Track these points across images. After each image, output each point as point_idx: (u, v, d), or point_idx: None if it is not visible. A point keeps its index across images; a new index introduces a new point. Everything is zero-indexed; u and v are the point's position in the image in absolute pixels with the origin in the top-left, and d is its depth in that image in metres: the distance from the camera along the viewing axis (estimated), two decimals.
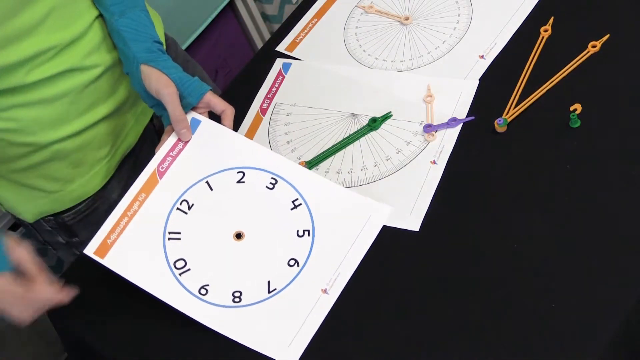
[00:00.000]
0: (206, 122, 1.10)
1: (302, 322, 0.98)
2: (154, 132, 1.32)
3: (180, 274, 1.01)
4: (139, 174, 1.15)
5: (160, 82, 1.06)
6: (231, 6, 2.18)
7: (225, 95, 1.29)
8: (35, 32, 1.04)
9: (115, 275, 1.04)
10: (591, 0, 1.18)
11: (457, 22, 1.24)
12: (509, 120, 1.08)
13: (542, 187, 1.01)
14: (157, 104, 1.09)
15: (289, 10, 2.28)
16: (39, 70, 1.06)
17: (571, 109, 1.06)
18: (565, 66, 1.11)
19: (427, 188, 1.06)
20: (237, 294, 1.01)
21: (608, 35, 1.12)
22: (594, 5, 1.17)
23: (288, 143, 1.18)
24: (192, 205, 1.06)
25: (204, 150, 1.09)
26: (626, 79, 1.08)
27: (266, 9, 2.28)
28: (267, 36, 2.28)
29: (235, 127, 1.20)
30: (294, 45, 1.32)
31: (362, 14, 1.33)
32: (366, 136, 1.15)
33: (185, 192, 1.07)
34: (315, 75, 1.26)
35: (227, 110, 1.10)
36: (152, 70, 1.06)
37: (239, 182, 1.07)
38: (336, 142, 1.16)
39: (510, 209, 1.00)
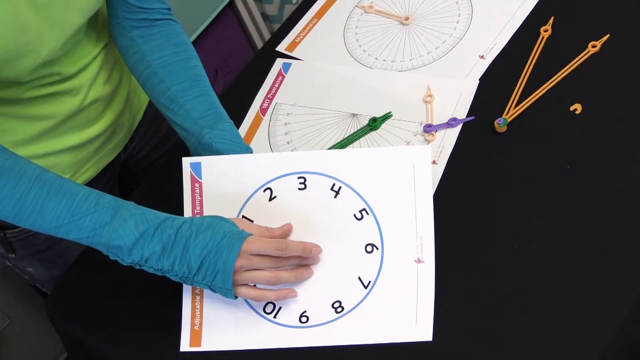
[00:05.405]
0: (207, 161, 1.04)
1: (415, 299, 0.94)
2: (118, 164, 1.31)
3: (274, 316, 0.98)
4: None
5: None
6: (231, 6, 2.19)
7: (225, 95, 1.29)
8: (53, 61, 1.04)
9: (116, 275, 1.04)
10: (591, 0, 1.18)
11: (457, 22, 1.24)
12: (509, 120, 1.08)
13: (542, 187, 1.01)
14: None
15: (289, 10, 2.28)
16: (37, 90, 1.06)
17: (571, 109, 1.06)
18: (565, 66, 1.11)
19: None
20: (336, 305, 0.97)
21: (608, 35, 1.12)
22: (594, 5, 1.17)
23: (288, 143, 1.18)
24: None
25: (223, 187, 1.03)
26: (626, 79, 1.08)
27: (266, 9, 2.29)
28: (267, 36, 2.28)
29: (235, 127, 1.20)
30: (294, 45, 1.32)
31: (362, 14, 1.33)
32: (366, 136, 1.15)
33: None
34: (315, 75, 1.26)
35: None
36: None
37: (270, 199, 1.02)
38: (336, 142, 1.16)
39: (510, 209, 1.00)
